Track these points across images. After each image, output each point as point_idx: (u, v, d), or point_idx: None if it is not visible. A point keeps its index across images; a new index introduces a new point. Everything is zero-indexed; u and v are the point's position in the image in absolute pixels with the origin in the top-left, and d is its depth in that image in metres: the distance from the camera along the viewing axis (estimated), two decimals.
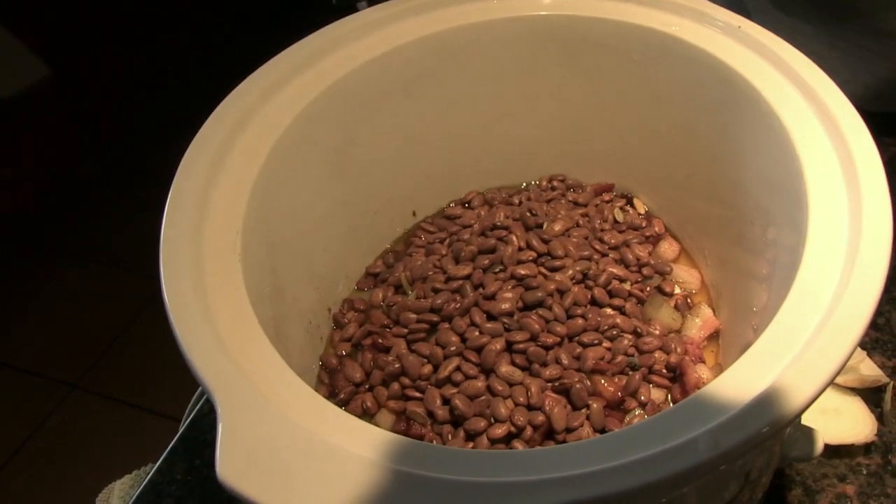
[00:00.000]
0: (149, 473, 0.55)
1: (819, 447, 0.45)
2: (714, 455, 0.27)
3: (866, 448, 0.53)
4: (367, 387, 0.45)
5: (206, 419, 0.57)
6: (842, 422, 0.53)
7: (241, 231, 0.38)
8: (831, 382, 0.30)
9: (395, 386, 0.43)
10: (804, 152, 0.39)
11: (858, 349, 0.55)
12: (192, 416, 0.57)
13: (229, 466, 0.27)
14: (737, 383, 0.30)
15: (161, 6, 2.01)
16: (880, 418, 0.54)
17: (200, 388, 0.46)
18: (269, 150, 0.42)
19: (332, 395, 0.45)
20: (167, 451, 0.55)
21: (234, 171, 0.41)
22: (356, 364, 0.46)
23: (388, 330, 0.46)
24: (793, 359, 0.30)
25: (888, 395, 0.55)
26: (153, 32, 2.00)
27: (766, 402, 0.29)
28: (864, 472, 0.52)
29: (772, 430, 0.28)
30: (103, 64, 1.89)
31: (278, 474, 0.27)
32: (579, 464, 0.27)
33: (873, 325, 0.61)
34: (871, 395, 0.55)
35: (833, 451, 0.53)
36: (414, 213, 0.55)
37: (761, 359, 0.31)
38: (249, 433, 0.28)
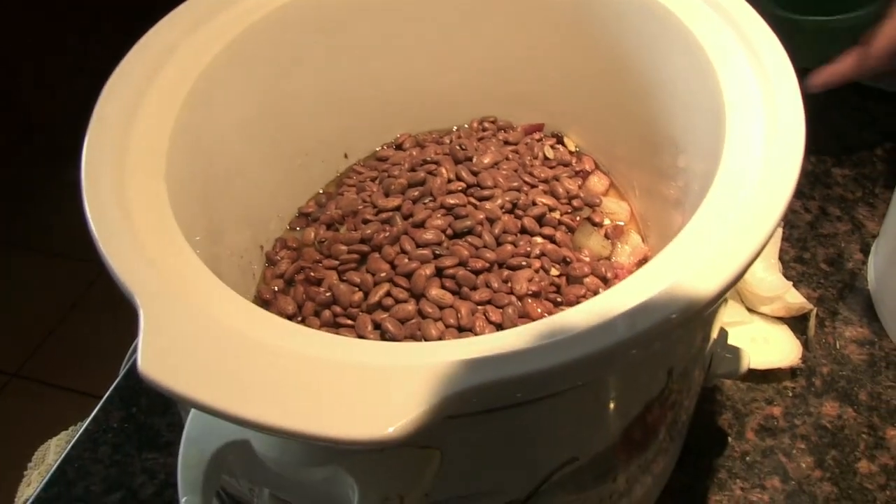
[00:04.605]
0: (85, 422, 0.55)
1: (745, 364, 0.47)
2: (632, 334, 0.28)
3: (792, 372, 0.55)
4: (299, 319, 0.45)
5: None
6: (769, 348, 0.55)
7: (165, 154, 0.37)
8: (738, 280, 0.31)
9: (327, 314, 0.43)
10: (724, 79, 0.40)
11: (784, 280, 0.57)
12: (128, 365, 0.56)
13: (151, 361, 0.27)
14: (651, 276, 0.30)
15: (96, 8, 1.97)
16: (805, 344, 0.56)
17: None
18: (191, 86, 0.41)
19: None
20: (103, 400, 0.55)
21: (156, 104, 0.40)
22: (288, 297, 0.46)
23: (319, 264, 0.46)
24: (703, 258, 0.31)
25: (812, 322, 0.57)
26: (83, 27, 1.96)
27: (678, 291, 0.29)
28: (790, 394, 0.54)
29: (679, 318, 0.29)
30: (35, 49, 1.85)
31: (205, 368, 0.27)
32: (496, 348, 0.27)
33: (800, 259, 0.62)
34: (797, 324, 0.57)
35: (761, 376, 0.54)
36: (346, 156, 0.55)
37: (676, 255, 0.31)
38: (173, 329, 0.28)
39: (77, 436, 0.52)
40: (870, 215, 0.66)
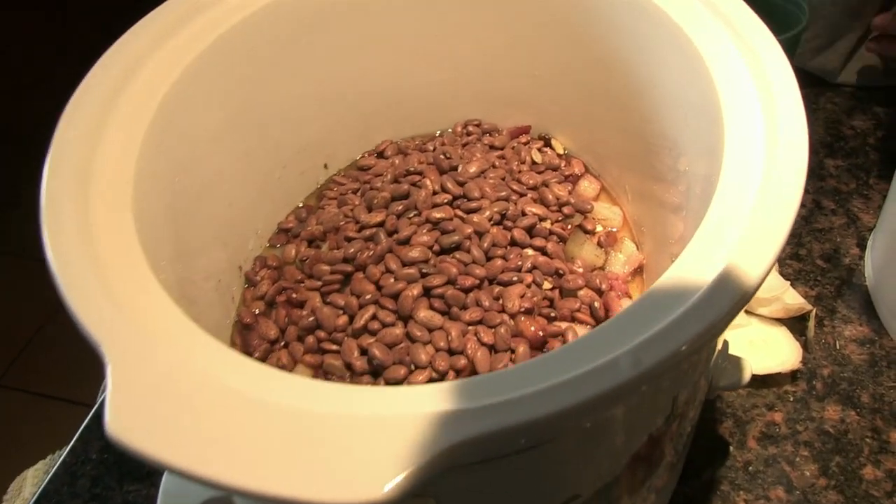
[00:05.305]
0: (63, 454, 0.52)
1: (747, 375, 0.45)
2: (637, 373, 0.26)
3: (793, 376, 0.53)
4: (282, 344, 0.43)
5: None
6: (769, 352, 0.53)
7: (132, 182, 0.35)
8: (748, 300, 0.29)
9: (311, 339, 0.41)
10: (718, 76, 0.38)
11: (782, 279, 0.55)
12: (105, 394, 0.54)
13: (120, 421, 0.25)
14: (654, 305, 0.28)
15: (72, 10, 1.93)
16: (805, 346, 0.55)
17: None
18: (159, 103, 0.39)
19: (246, 355, 0.43)
20: (80, 430, 0.53)
21: (122, 123, 0.38)
22: (270, 322, 0.44)
23: (301, 285, 0.44)
24: (711, 279, 0.29)
25: (811, 323, 0.55)
26: (61, 7, 1.92)
27: (685, 320, 0.28)
28: (791, 398, 0.52)
29: (690, 348, 0.27)
30: (8, 47, 1.81)
31: (179, 427, 0.25)
32: (496, 392, 0.25)
33: (796, 256, 0.61)
34: (795, 325, 0.55)
35: (761, 381, 0.53)
36: (326, 166, 0.53)
37: (677, 282, 0.29)
38: (143, 384, 0.26)
39: (54, 468, 0.50)
40: (865, 207, 0.64)
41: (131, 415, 0.25)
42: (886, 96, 0.74)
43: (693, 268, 0.30)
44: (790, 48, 0.65)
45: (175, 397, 0.26)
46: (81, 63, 0.40)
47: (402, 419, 0.25)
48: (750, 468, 0.49)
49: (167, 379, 0.26)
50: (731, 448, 0.50)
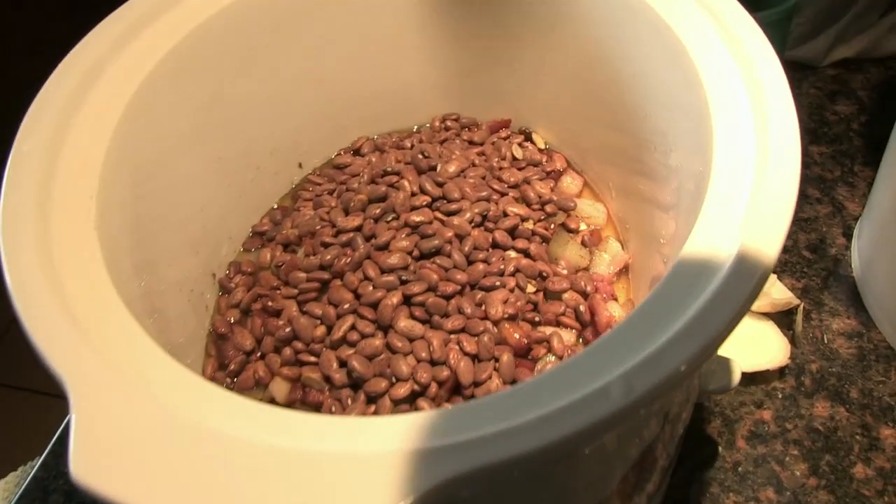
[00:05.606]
0: (35, 467, 0.51)
1: (736, 377, 0.44)
2: (629, 401, 0.24)
3: (781, 372, 0.52)
4: (258, 355, 0.41)
5: None
6: (756, 349, 0.53)
7: (95, 196, 0.33)
8: (746, 313, 0.28)
9: (288, 351, 0.40)
10: (703, 67, 0.37)
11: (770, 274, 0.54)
12: None
13: (85, 463, 0.23)
14: (648, 321, 0.27)
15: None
16: (793, 341, 0.54)
17: None
18: (124, 110, 0.37)
19: (221, 367, 0.42)
20: (52, 442, 0.51)
21: (85, 131, 0.36)
22: (245, 331, 0.42)
23: (277, 292, 0.43)
24: (704, 293, 0.28)
25: (799, 317, 0.54)
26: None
27: (679, 340, 0.26)
28: (780, 395, 0.51)
29: (688, 368, 0.26)
30: None
31: (150, 470, 0.23)
32: (485, 423, 0.24)
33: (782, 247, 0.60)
34: (782, 319, 0.55)
35: (749, 378, 0.52)
36: (300, 165, 0.51)
37: (672, 293, 0.28)
38: (111, 423, 0.24)
39: (25, 483, 0.48)
40: (850, 195, 0.63)
41: (97, 457, 0.24)
42: (868, 79, 0.73)
43: (688, 278, 0.29)
44: (781, 29, 0.63)
45: (144, 436, 0.24)
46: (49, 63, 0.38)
47: (388, 456, 0.23)
48: (739, 469, 0.48)
49: (135, 416, 0.25)
50: (720, 448, 0.49)
